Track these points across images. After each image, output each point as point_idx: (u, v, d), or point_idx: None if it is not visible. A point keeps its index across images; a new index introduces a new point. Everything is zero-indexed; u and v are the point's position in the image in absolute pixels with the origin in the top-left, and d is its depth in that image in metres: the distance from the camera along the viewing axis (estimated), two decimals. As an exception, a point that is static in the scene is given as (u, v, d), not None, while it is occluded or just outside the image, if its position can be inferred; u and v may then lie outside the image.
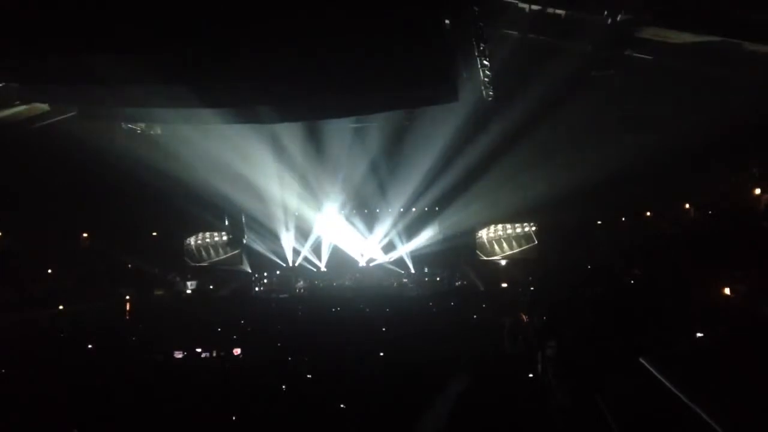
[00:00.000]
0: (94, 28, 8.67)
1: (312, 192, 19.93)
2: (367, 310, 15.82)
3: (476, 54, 10.94)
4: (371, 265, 21.02)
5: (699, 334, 8.90)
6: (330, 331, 12.68)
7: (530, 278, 17.71)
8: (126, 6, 8.50)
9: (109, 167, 16.00)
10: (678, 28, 9.92)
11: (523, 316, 12.85)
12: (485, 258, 20.25)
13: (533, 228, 19.89)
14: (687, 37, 10.18)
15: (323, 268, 21.31)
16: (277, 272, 21.50)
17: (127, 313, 16.14)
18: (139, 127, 16.31)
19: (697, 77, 11.26)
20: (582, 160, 14.82)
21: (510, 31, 11.86)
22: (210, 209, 19.56)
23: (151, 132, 16.53)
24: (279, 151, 17.82)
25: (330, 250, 21.12)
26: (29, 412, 7.31)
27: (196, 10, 8.60)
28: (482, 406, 7.32)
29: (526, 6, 10.93)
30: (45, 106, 13.45)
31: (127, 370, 9.63)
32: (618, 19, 10.07)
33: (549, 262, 18.18)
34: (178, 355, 10.69)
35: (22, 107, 12.69)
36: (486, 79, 11.70)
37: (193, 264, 21.64)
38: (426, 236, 20.34)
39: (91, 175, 15.69)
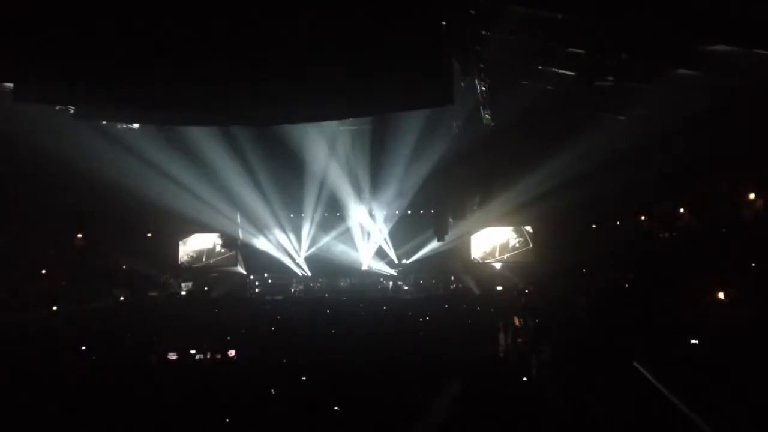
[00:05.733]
0: (96, 28, 8.67)
1: (311, 194, 19.90)
2: (363, 313, 15.82)
3: (472, 58, 10.96)
4: (370, 269, 20.97)
5: (692, 338, 8.95)
6: (325, 332, 12.69)
7: (525, 282, 17.74)
8: (127, 6, 8.50)
9: (103, 166, 15.99)
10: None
11: (518, 320, 12.89)
12: (480, 261, 20.26)
13: (529, 231, 19.92)
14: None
15: (320, 271, 21.24)
16: (272, 274, 21.44)
17: (120, 315, 16.07)
18: (134, 126, 16.28)
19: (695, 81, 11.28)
20: (578, 162, 14.87)
21: (508, 36, 11.87)
22: (205, 210, 19.52)
23: (146, 132, 16.49)
24: (279, 151, 17.84)
25: (328, 252, 21.05)
26: (24, 414, 7.28)
27: (195, 12, 8.61)
28: (477, 409, 7.34)
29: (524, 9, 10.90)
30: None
31: (121, 371, 9.60)
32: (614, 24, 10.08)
33: (544, 266, 18.21)
34: (172, 356, 10.66)
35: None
36: (482, 84, 11.73)
37: (187, 265, 21.57)
38: (422, 240, 20.32)
39: (85, 174, 15.64)
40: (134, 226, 19.59)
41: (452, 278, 20.25)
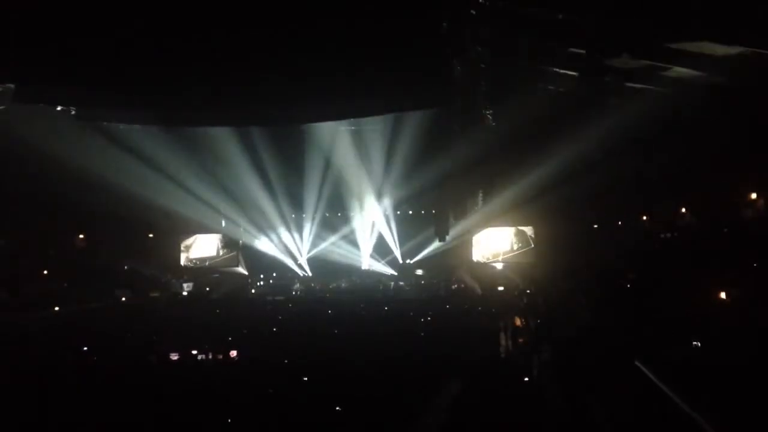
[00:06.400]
0: (97, 30, 8.71)
1: (312, 195, 19.92)
2: (364, 313, 15.82)
3: (472, 58, 10.99)
4: (371, 269, 20.99)
5: (693, 338, 8.94)
6: (326, 333, 12.69)
7: (526, 282, 17.73)
8: (127, 8, 8.54)
9: (104, 166, 16.01)
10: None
11: (519, 320, 12.89)
12: (482, 261, 20.25)
13: (530, 232, 19.90)
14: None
15: (321, 271, 21.25)
16: (273, 274, 21.46)
17: (122, 315, 16.08)
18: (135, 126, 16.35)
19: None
20: (579, 162, 14.87)
21: (508, 36, 11.88)
22: (206, 210, 19.55)
23: (147, 132, 16.55)
24: (281, 152, 17.88)
25: (329, 253, 21.05)
26: (25, 414, 7.30)
27: (197, 14, 8.65)
28: (478, 409, 7.34)
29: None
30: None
31: (122, 371, 9.61)
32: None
33: (545, 266, 18.20)
34: (174, 356, 10.66)
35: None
36: (483, 85, 11.76)
37: (189, 265, 21.59)
38: (423, 240, 20.32)
39: (86, 174, 15.65)
40: (135, 226, 19.59)
41: (453, 278, 20.22)
